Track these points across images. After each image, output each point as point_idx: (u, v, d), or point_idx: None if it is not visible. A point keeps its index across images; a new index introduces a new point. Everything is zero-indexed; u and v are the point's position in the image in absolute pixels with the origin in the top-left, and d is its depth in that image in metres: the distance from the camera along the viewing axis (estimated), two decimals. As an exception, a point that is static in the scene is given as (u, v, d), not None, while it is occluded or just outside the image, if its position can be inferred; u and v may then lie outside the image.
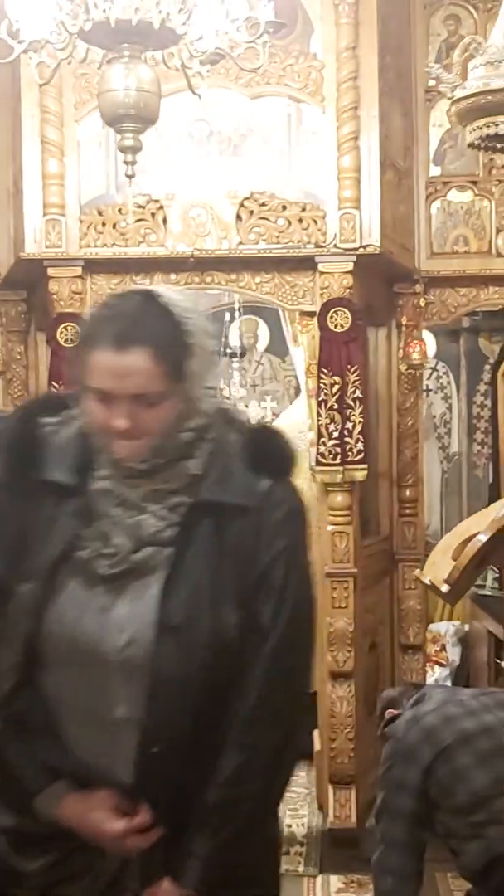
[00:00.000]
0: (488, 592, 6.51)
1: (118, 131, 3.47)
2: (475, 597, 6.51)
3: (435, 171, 5.72)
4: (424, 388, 8.10)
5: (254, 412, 7.34)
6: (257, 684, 1.95)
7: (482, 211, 5.65)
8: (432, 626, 6.91)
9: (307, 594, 2.04)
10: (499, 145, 3.73)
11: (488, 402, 8.33)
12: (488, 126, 3.50)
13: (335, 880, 4.82)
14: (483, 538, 3.03)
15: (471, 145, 3.78)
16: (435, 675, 6.92)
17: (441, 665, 7.09)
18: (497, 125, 3.47)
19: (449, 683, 6.77)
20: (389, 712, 3.52)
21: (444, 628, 7.20)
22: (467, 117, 3.57)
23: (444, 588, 3.15)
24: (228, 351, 7.84)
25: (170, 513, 1.95)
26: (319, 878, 4.85)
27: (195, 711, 1.93)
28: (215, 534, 1.95)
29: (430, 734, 3.30)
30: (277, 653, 1.96)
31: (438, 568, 3.20)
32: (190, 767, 1.94)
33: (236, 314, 7.89)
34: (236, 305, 7.67)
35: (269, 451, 2.03)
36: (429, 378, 8.38)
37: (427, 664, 6.50)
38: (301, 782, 5.68)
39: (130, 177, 3.50)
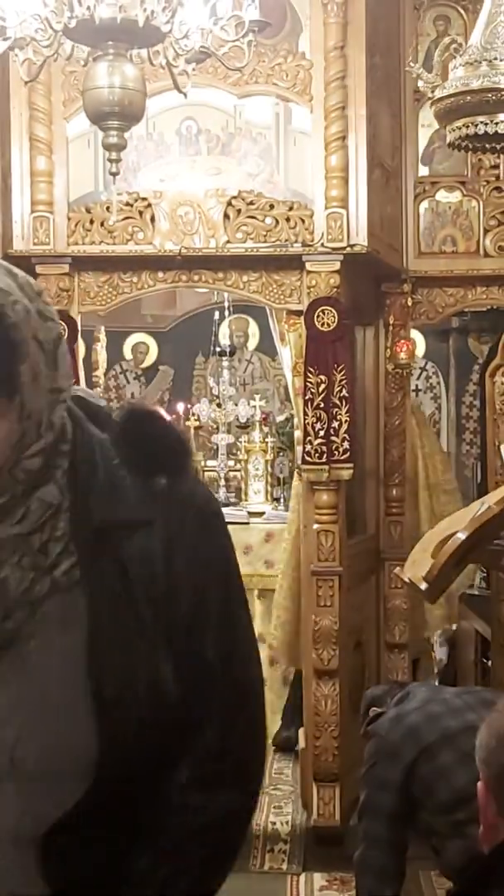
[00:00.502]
0: (476, 592, 6.52)
1: (103, 129, 3.48)
2: (463, 596, 6.51)
3: (423, 171, 5.73)
4: (413, 388, 8.14)
5: (243, 411, 7.34)
6: (213, 742, 1.61)
7: (470, 211, 5.65)
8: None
9: (246, 614, 1.70)
10: (478, 145, 3.74)
11: (477, 403, 8.36)
12: (467, 126, 3.50)
13: (319, 878, 4.83)
14: (462, 536, 3.04)
15: (451, 145, 3.78)
16: (422, 674, 6.93)
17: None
18: (476, 125, 3.47)
19: (436, 683, 6.78)
20: (373, 710, 3.53)
21: (433, 628, 7.20)
22: (447, 117, 3.58)
23: (423, 586, 3.16)
24: (218, 349, 7.84)
25: (38, 558, 1.52)
26: (303, 876, 4.86)
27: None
28: (116, 564, 1.55)
29: (414, 732, 3.31)
30: (232, 697, 1.62)
31: (418, 566, 3.21)
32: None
33: (226, 313, 7.91)
34: (226, 304, 7.68)
35: (151, 442, 1.62)
36: (418, 378, 8.41)
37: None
38: (285, 780, 5.69)
39: (115, 174, 3.51)
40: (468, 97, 3.43)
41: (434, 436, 6.64)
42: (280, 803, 5.41)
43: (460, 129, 3.54)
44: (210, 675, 1.59)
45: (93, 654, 1.51)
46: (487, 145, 3.74)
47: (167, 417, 1.73)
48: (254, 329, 8.45)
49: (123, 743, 1.50)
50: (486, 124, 3.46)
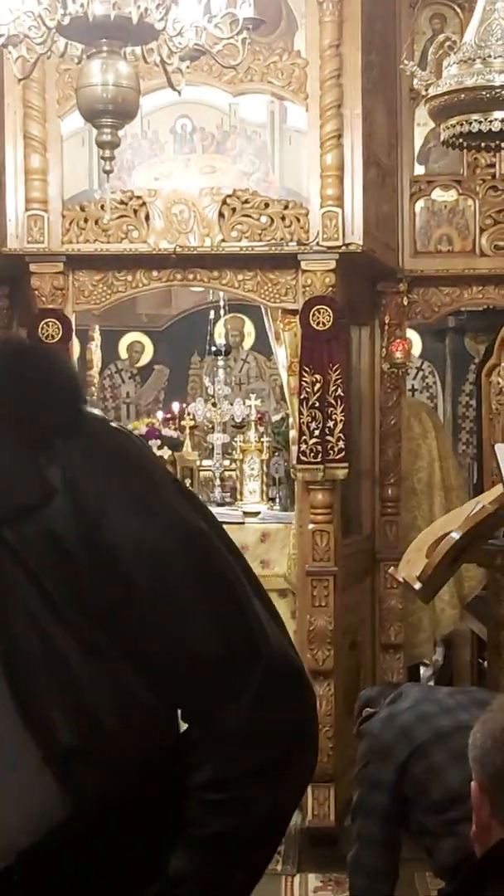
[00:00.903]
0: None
1: (96, 126, 3.47)
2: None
3: (419, 169, 5.72)
4: (410, 387, 8.13)
5: (238, 410, 7.32)
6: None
7: (466, 210, 5.64)
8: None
9: (230, 570, 1.32)
10: (473, 143, 3.73)
11: (474, 402, 8.35)
12: (461, 124, 3.49)
13: (313, 879, 4.82)
14: (455, 536, 3.03)
15: (445, 143, 3.77)
16: (422, 674, 6.92)
17: (424, 665, 7.09)
18: (470, 123, 3.46)
19: (432, 684, 6.77)
20: (366, 711, 3.53)
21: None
22: (441, 115, 3.57)
23: (417, 585, 3.14)
24: (213, 349, 7.83)
25: None
26: (297, 877, 4.84)
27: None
28: (19, 566, 1.22)
29: (406, 732, 3.31)
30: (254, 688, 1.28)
31: (412, 565, 3.20)
32: None
33: (221, 312, 7.89)
34: (221, 303, 7.67)
35: (31, 392, 1.28)
36: (414, 378, 8.40)
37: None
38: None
39: (108, 172, 3.50)
40: (462, 95, 3.42)
41: (449, 440, 6.64)
42: (275, 804, 5.39)
43: (454, 126, 3.53)
44: (209, 671, 1.28)
45: (22, 697, 1.20)
46: (482, 143, 3.73)
47: (48, 354, 1.39)
48: (249, 328, 8.43)
49: (101, 801, 1.23)
50: (481, 122, 3.46)
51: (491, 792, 1.80)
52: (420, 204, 5.65)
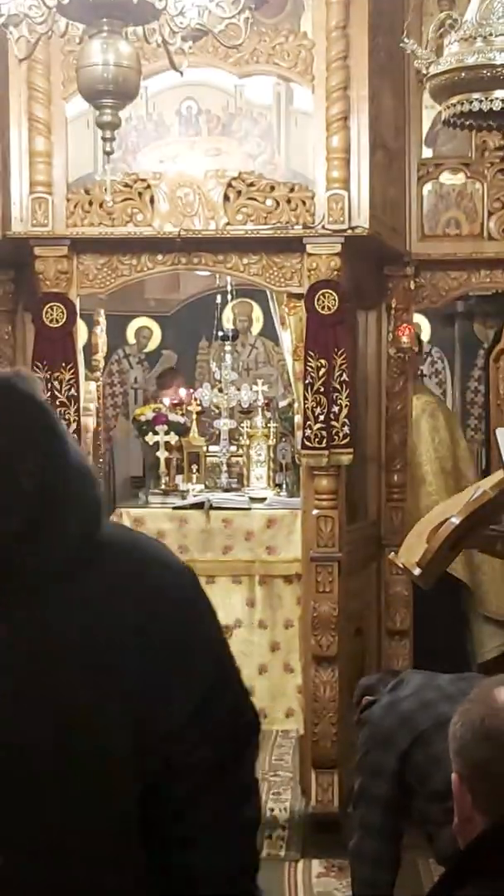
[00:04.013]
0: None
1: (97, 107, 3.42)
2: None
3: (427, 152, 5.66)
4: (419, 373, 8.08)
5: (245, 396, 7.29)
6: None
7: (474, 193, 5.59)
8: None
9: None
10: (474, 122, 3.68)
11: (482, 388, 8.29)
12: (462, 103, 3.44)
13: (316, 865, 4.81)
14: (455, 521, 3.00)
15: (446, 123, 3.73)
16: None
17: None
18: (471, 102, 3.41)
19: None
20: (366, 699, 3.50)
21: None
22: (442, 94, 3.52)
23: (416, 571, 3.12)
24: (220, 334, 7.80)
25: None
26: (301, 863, 4.84)
27: None
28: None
29: (408, 719, 3.29)
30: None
31: (412, 551, 3.17)
32: None
33: (229, 297, 7.85)
34: (229, 288, 7.63)
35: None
36: (423, 363, 8.35)
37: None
38: (284, 766, 5.66)
39: (109, 153, 3.46)
40: (463, 73, 3.37)
41: (460, 430, 6.63)
42: (279, 790, 5.38)
43: (455, 105, 3.48)
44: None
45: None
46: (483, 123, 3.68)
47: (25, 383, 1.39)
48: (258, 313, 8.39)
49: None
50: (482, 101, 3.40)
51: (472, 783, 1.79)
52: (428, 187, 5.60)
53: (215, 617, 1.57)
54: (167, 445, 7.11)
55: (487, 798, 1.78)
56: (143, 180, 4.95)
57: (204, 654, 1.49)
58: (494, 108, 3.39)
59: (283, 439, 7.06)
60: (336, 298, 4.85)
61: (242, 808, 1.52)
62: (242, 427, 7.18)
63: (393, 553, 3.76)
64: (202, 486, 7.03)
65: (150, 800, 1.42)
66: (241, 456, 7.15)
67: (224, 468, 7.15)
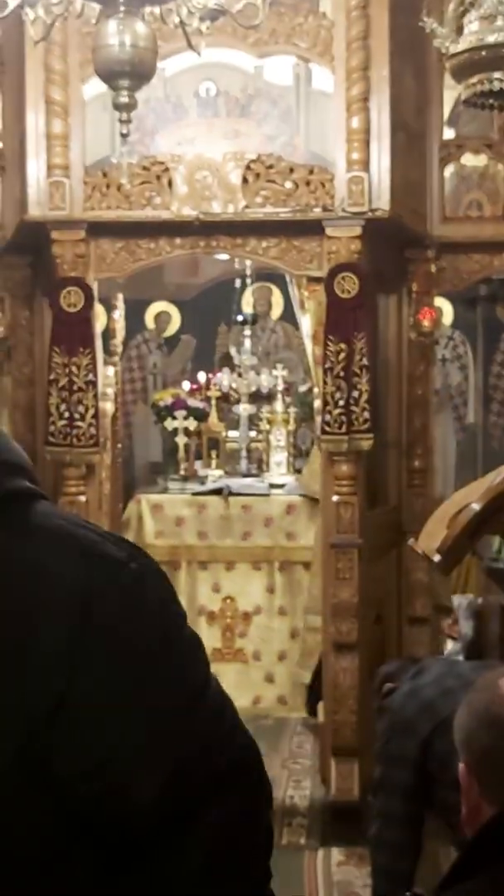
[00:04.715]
0: (502, 566, 6.42)
1: (113, 88, 3.38)
2: (488, 569, 6.42)
3: (449, 133, 5.60)
4: (441, 357, 8.01)
5: (265, 381, 7.25)
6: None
7: (497, 175, 5.53)
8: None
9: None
10: (495, 102, 3.62)
11: (504, 372, 8.23)
12: (482, 83, 3.38)
13: (337, 853, 4.79)
14: (476, 507, 2.95)
15: (466, 102, 3.67)
16: (448, 649, 6.86)
17: (454, 639, 7.03)
18: (491, 82, 3.35)
19: (461, 657, 6.70)
20: (387, 686, 3.47)
21: (458, 602, 7.11)
22: (462, 74, 3.46)
23: (436, 558, 3.07)
24: (240, 318, 7.75)
25: None
26: (321, 851, 4.82)
27: None
28: None
29: (429, 707, 3.26)
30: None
31: (432, 537, 3.13)
32: None
33: (248, 281, 7.80)
34: (248, 272, 7.58)
35: None
36: (445, 347, 8.28)
37: (441, 637, 6.44)
38: (304, 754, 5.65)
39: (125, 135, 3.41)
40: (483, 52, 3.31)
41: None
42: (299, 777, 5.37)
43: (475, 85, 3.42)
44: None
45: None
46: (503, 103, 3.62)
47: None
48: (277, 297, 8.32)
49: None
50: (502, 81, 3.34)
51: (479, 772, 1.78)
52: (449, 169, 5.53)
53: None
54: (186, 431, 7.08)
55: (494, 786, 1.76)
56: (161, 163, 4.91)
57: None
58: (514, 89, 3.33)
59: (304, 424, 7.02)
60: (356, 282, 4.79)
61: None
62: (262, 412, 7.14)
63: (412, 539, 3.71)
64: (221, 472, 7.00)
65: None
66: (260, 441, 7.11)
67: (243, 454, 7.12)
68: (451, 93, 5.49)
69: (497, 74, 3.35)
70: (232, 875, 1.24)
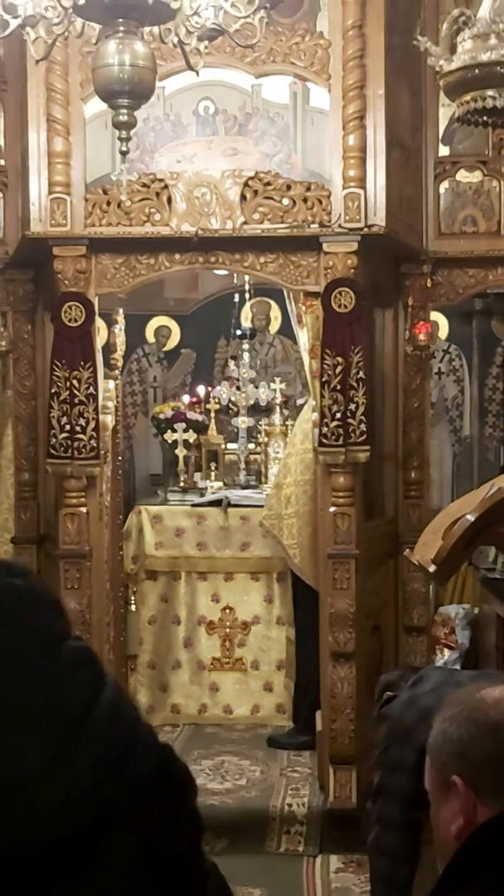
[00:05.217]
0: (498, 576, 6.47)
1: (113, 107, 3.44)
2: (484, 579, 6.47)
3: (444, 150, 5.67)
4: (436, 370, 8.08)
5: (263, 394, 7.31)
6: None
7: (491, 191, 5.60)
8: (442, 609, 6.89)
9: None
10: (488, 119, 3.69)
11: (500, 385, 8.30)
12: (475, 100, 3.45)
13: (335, 860, 4.83)
14: (471, 518, 3.01)
15: (459, 120, 3.74)
16: (444, 658, 6.90)
17: (450, 648, 7.07)
18: (485, 99, 3.42)
19: (458, 667, 6.74)
20: (387, 694, 3.52)
21: (454, 611, 7.16)
22: (456, 91, 3.53)
23: (431, 568, 3.13)
24: (238, 332, 7.81)
25: None
26: (319, 858, 4.86)
27: None
28: None
29: (428, 715, 3.28)
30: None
31: (427, 548, 3.18)
32: None
33: (247, 296, 7.87)
34: (247, 287, 7.65)
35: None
36: (441, 361, 8.35)
37: (437, 647, 6.49)
38: (303, 762, 5.69)
39: (125, 153, 3.48)
40: (477, 70, 3.38)
41: None
42: (297, 785, 5.41)
43: (469, 102, 3.49)
44: None
45: None
46: (498, 119, 3.68)
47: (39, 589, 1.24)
48: (276, 312, 8.39)
49: None
50: (496, 98, 3.41)
51: (480, 780, 1.77)
52: (444, 185, 5.61)
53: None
54: (186, 443, 7.15)
55: (498, 791, 1.77)
56: (161, 180, 4.98)
57: None
58: (509, 105, 3.39)
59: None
60: (353, 296, 4.87)
61: None
62: (260, 425, 7.21)
63: (408, 550, 3.76)
64: (220, 484, 7.06)
65: None
66: (259, 453, 7.18)
67: (242, 465, 7.19)
68: (446, 111, 5.58)
69: (490, 92, 3.42)
70: (164, 870, 1.21)
